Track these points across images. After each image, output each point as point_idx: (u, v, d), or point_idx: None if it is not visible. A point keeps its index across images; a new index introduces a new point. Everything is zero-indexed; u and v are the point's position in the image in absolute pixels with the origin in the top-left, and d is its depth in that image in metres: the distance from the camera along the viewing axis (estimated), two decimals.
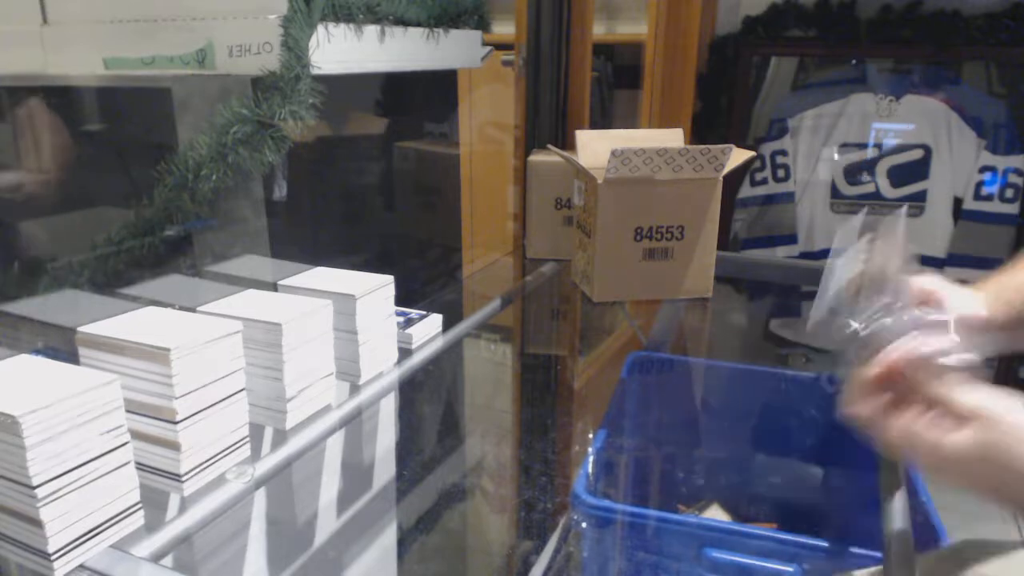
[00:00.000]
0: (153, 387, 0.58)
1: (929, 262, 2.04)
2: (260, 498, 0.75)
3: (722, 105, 2.11)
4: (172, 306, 0.67)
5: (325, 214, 1.14)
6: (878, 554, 0.74)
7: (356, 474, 0.91)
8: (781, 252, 2.16)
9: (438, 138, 1.48)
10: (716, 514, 1.18)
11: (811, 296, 0.71)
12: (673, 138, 1.18)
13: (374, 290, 0.80)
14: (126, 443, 0.54)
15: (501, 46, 1.36)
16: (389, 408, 0.93)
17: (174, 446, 0.59)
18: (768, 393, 1.18)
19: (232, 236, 0.88)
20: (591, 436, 1.04)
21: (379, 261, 1.27)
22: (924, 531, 0.79)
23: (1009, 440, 0.49)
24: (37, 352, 0.67)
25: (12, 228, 0.88)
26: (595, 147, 1.09)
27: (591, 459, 0.96)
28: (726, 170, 1.05)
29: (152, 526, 0.57)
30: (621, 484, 1.14)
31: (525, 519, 1.01)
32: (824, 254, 2.14)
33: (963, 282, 0.66)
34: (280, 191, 0.93)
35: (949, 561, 0.63)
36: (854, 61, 2.05)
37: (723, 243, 2.16)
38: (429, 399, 1.18)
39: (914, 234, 2.06)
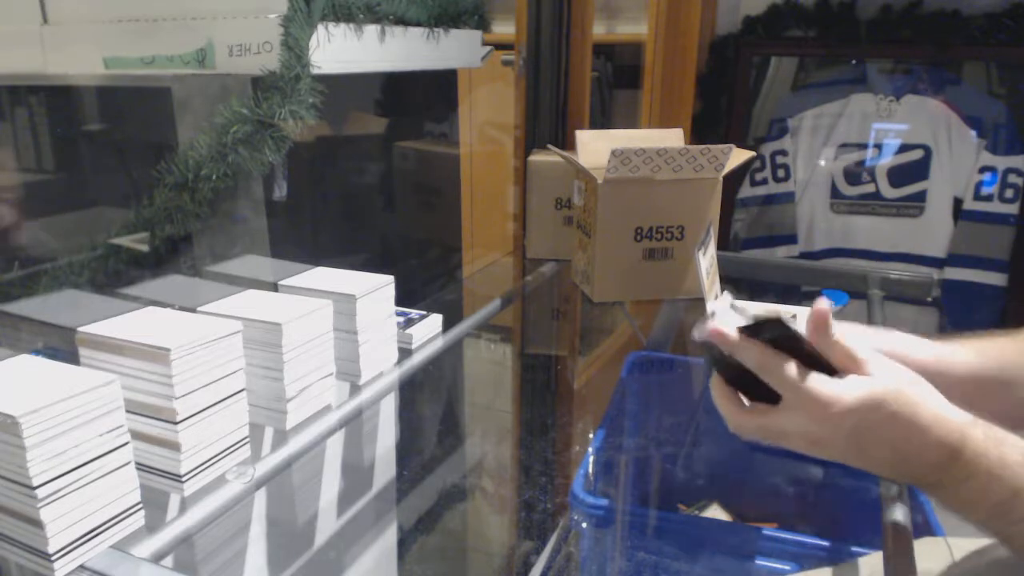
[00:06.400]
0: (153, 387, 0.58)
1: (929, 262, 2.05)
2: (260, 498, 0.75)
3: (722, 105, 2.10)
4: (172, 306, 0.67)
5: (325, 214, 1.14)
6: (878, 553, 0.74)
7: (356, 474, 0.91)
8: (781, 252, 2.16)
9: (438, 138, 1.48)
10: (716, 514, 1.18)
11: (811, 296, 0.71)
12: (673, 138, 1.18)
13: (374, 290, 0.80)
14: (126, 443, 0.54)
15: (501, 46, 1.36)
16: (389, 408, 0.93)
17: (174, 446, 0.59)
18: None
19: (232, 236, 0.88)
20: (591, 436, 1.04)
21: (379, 261, 1.27)
22: (924, 531, 0.79)
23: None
24: (37, 352, 0.67)
25: (12, 228, 0.88)
26: (595, 147, 1.09)
27: (590, 459, 0.96)
28: (726, 170, 1.05)
29: (152, 526, 0.57)
30: (621, 484, 1.13)
31: (525, 519, 1.01)
32: (824, 254, 2.15)
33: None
34: (280, 191, 0.93)
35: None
36: (854, 61, 2.05)
37: (723, 243, 2.15)
38: (429, 399, 1.18)
39: (914, 234, 2.06)
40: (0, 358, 0.55)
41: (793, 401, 0.54)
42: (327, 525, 0.87)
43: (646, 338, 1.33)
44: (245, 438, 0.66)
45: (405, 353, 0.89)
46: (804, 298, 1.96)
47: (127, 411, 0.54)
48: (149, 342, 0.57)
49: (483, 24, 1.19)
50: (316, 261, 0.87)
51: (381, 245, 1.30)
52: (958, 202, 2.01)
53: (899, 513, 0.63)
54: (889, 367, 0.54)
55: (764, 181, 2.15)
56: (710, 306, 0.68)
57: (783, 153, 2.12)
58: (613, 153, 0.97)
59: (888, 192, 2.06)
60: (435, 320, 0.95)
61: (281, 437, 0.70)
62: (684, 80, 1.94)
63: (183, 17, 0.79)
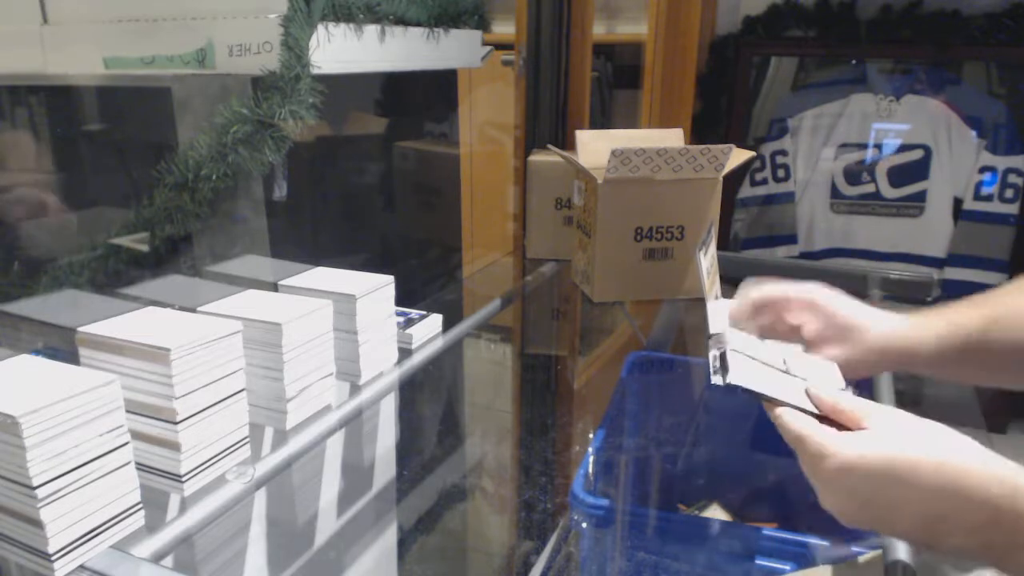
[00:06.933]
0: (153, 387, 0.58)
1: (929, 262, 2.05)
2: (260, 498, 0.75)
3: (722, 105, 2.11)
4: (172, 306, 0.67)
5: (325, 214, 1.14)
6: (878, 553, 0.74)
7: (356, 474, 0.91)
8: (781, 252, 2.16)
9: (438, 138, 1.48)
10: (716, 514, 1.18)
11: None
12: (673, 138, 1.18)
13: (374, 290, 0.80)
14: (126, 443, 0.54)
15: (501, 46, 1.36)
16: (389, 408, 0.93)
17: (174, 446, 0.59)
18: None
19: (232, 236, 0.88)
20: (591, 436, 1.04)
21: (379, 261, 1.27)
22: None
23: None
24: (37, 352, 0.67)
25: (12, 228, 0.88)
26: (595, 147, 1.09)
27: (590, 459, 0.96)
28: (726, 170, 1.05)
29: (152, 526, 0.57)
30: (621, 484, 1.13)
31: (525, 519, 1.01)
32: (824, 254, 2.15)
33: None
34: (280, 191, 0.93)
35: (949, 561, 0.63)
36: (854, 61, 2.05)
37: (723, 243, 2.16)
38: (429, 399, 1.18)
39: (914, 234, 2.06)
40: (0, 358, 0.55)
41: (796, 451, 0.51)
42: (327, 525, 0.87)
43: (646, 338, 1.33)
44: (245, 438, 0.66)
45: (405, 353, 0.89)
46: None
47: (127, 411, 0.54)
48: (149, 342, 0.57)
49: (483, 24, 1.19)
50: (316, 261, 0.87)
51: (381, 245, 1.30)
52: (958, 202, 2.01)
53: None
54: (896, 422, 0.49)
55: (764, 181, 2.15)
56: (710, 307, 0.68)
57: (783, 153, 2.12)
58: (613, 153, 0.98)
59: (888, 192, 2.06)
60: (435, 320, 0.95)
61: (281, 437, 0.70)
62: (684, 80, 1.95)
63: (183, 17, 0.79)
